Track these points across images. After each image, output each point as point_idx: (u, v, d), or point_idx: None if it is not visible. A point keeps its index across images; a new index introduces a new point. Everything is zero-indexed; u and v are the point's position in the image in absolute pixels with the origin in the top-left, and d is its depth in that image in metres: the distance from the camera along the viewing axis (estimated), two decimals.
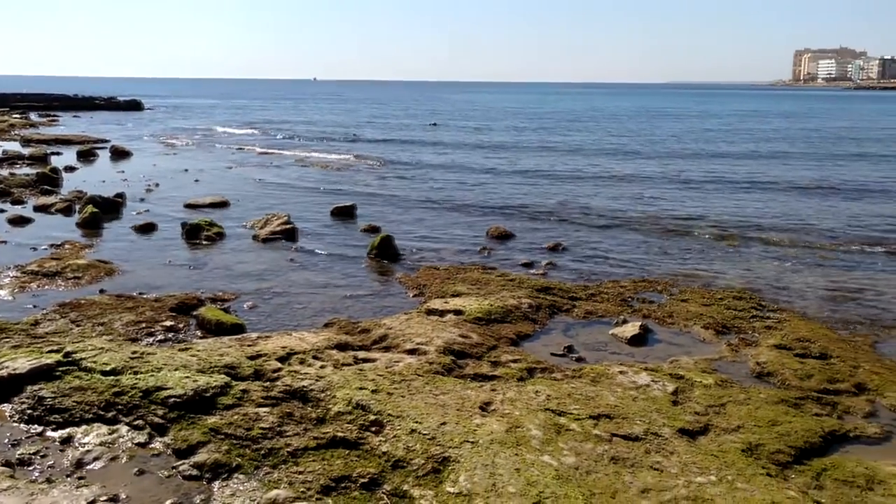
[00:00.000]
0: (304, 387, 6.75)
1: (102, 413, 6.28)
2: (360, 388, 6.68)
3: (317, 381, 6.87)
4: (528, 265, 12.63)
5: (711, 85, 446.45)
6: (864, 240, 14.98)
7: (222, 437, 5.91)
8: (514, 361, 7.86)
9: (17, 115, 52.76)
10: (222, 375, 6.90)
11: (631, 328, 9.11)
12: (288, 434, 5.95)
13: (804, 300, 10.71)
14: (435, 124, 53.36)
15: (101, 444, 5.89)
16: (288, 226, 14.89)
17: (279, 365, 7.31)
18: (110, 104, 71.80)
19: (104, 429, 6.09)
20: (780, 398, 7.09)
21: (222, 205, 18.50)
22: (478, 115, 68.60)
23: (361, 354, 7.84)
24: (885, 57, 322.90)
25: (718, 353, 8.51)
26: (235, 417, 6.19)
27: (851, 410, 7.00)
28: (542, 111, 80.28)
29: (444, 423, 6.05)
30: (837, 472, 5.76)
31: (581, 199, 19.98)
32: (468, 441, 5.77)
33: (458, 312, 9.34)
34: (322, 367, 7.33)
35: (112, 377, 6.80)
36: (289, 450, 5.71)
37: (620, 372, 7.57)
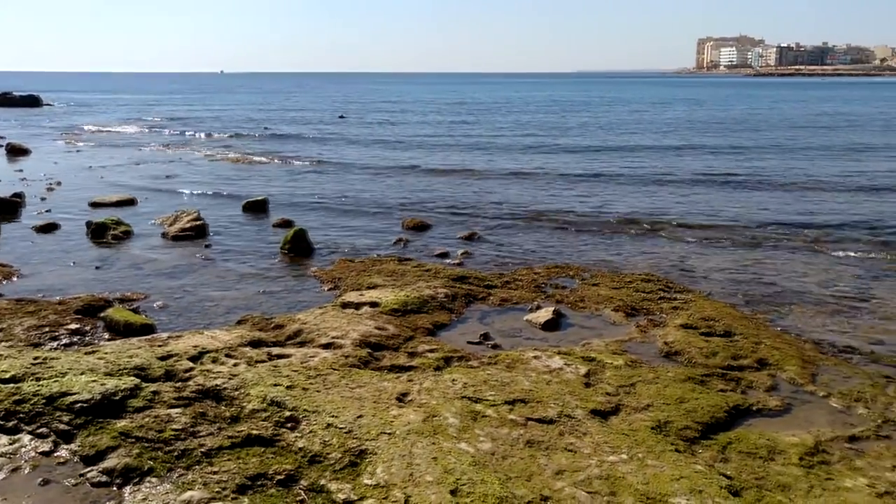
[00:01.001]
0: (217, 385, 6.62)
1: (2, 423, 6.02)
2: (275, 385, 6.60)
3: (230, 379, 6.75)
4: (444, 255, 12.69)
5: (620, 73, 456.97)
6: (763, 223, 15.61)
7: (133, 440, 5.74)
8: (431, 351, 7.90)
9: None
10: (132, 377, 6.70)
11: (544, 314, 9.26)
12: (201, 434, 5.83)
13: (709, 281, 11.09)
14: (342, 116, 52.78)
15: (1, 455, 5.64)
16: (198, 222, 14.54)
17: (191, 364, 7.15)
18: (4, 100, 68.30)
19: (4, 439, 5.83)
20: (688, 376, 7.33)
21: (129, 202, 17.92)
22: (389, 108, 68.35)
23: (276, 350, 7.74)
24: (782, 44, 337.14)
25: (628, 334, 8.75)
26: (146, 420, 6.02)
27: (754, 385, 7.30)
28: (454, 102, 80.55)
29: (360, 416, 6.04)
30: (741, 444, 6.00)
31: (496, 191, 20.13)
32: (385, 433, 5.77)
33: (374, 304, 9.32)
34: (235, 364, 7.21)
35: (12, 385, 6.52)
36: (203, 450, 5.60)
37: (535, 357, 7.70)
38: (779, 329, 8.97)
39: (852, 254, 12.74)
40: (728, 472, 5.52)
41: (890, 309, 9.73)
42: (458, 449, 5.55)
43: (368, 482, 5.13)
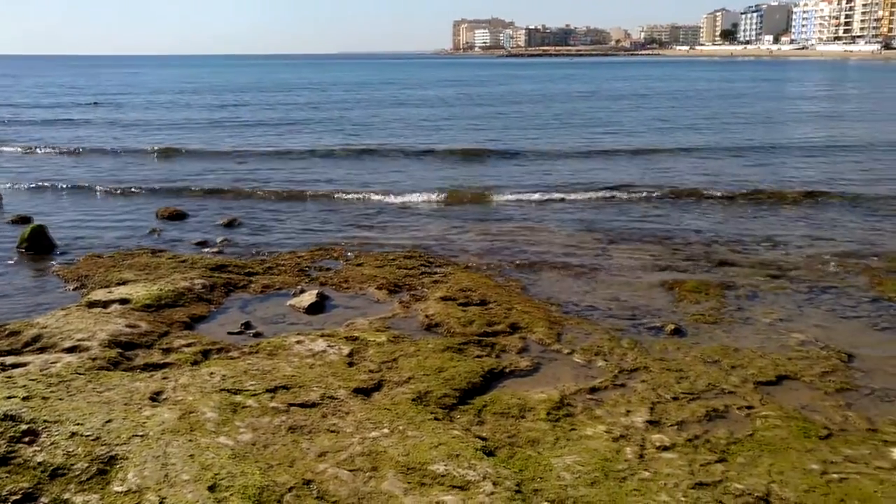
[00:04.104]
0: None
1: None
2: (9, 398, 6.01)
3: None
4: (203, 244, 12.20)
5: (382, 55, 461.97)
6: (514, 193, 16.54)
7: None
8: (188, 346, 7.58)
9: None
10: None
11: (308, 297, 9.20)
12: None
13: (466, 253, 11.58)
14: (96, 103, 48.78)
15: None
16: None
17: None
18: None
19: None
20: (446, 346, 7.61)
21: None
22: (143, 92, 64.31)
23: (10, 360, 7.04)
24: (530, 27, 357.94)
25: (391, 311, 8.92)
26: None
27: (507, 348, 7.72)
28: (216, 85, 77.47)
29: (109, 421, 5.66)
30: (496, 406, 6.34)
31: (255, 174, 19.70)
32: (137, 435, 5.46)
33: (124, 301, 8.76)
34: None
35: None
36: None
37: (298, 342, 7.63)
38: (529, 295, 9.56)
39: (593, 220, 13.83)
40: (483, 434, 5.82)
41: (623, 268, 10.71)
42: (216, 443, 5.38)
43: (119, 489, 4.83)
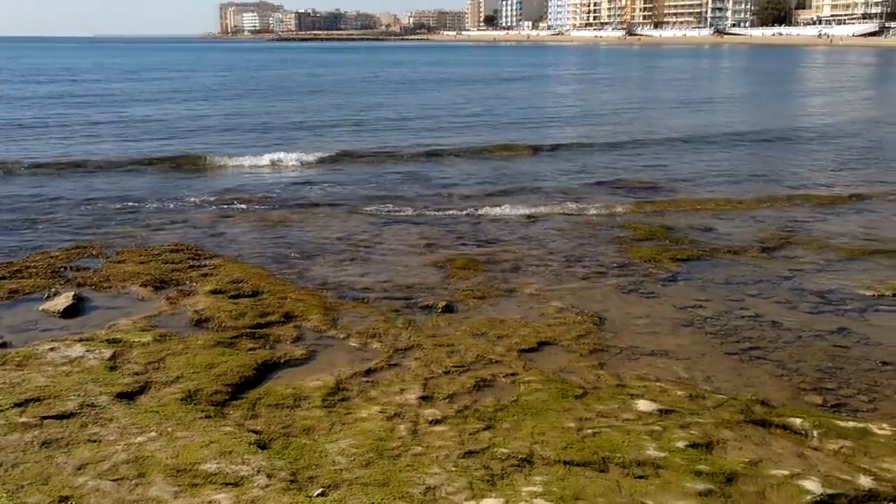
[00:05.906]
0: None
1: None
2: None
3: None
4: None
5: (144, 38, 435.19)
6: (288, 185, 16.33)
7: None
8: None
9: None
10: None
11: (63, 300, 8.53)
12: None
13: (238, 244, 11.25)
14: None
15: None
16: None
17: None
18: None
19: None
20: (217, 341, 7.39)
21: None
22: None
23: None
24: (300, 11, 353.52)
25: (157, 308, 8.49)
26: None
27: (281, 338, 7.63)
28: None
29: None
30: (270, 398, 6.26)
31: None
32: None
33: None
34: None
35: None
36: None
37: (51, 349, 7.07)
38: (303, 282, 9.49)
39: (368, 208, 13.95)
40: (257, 428, 5.72)
41: (397, 250, 10.96)
42: None
43: None
